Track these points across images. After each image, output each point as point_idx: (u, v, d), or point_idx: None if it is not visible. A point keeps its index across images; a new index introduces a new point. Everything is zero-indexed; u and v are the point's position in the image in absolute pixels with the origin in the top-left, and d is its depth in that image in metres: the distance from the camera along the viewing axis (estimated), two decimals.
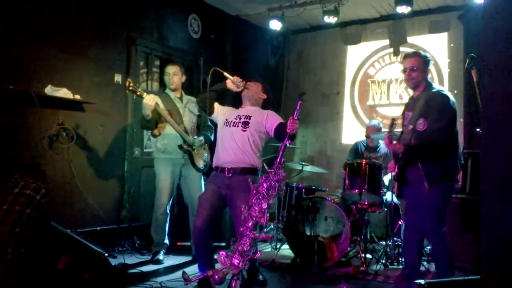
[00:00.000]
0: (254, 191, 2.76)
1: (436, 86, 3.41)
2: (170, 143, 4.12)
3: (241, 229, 2.74)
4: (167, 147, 4.13)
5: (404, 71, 3.38)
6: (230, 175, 3.31)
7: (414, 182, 3.23)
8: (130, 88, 3.83)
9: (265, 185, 2.75)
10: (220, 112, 3.54)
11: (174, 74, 4.24)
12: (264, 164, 3.01)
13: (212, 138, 4.24)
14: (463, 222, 4.18)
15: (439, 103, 3.15)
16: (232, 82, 3.47)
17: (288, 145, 3.07)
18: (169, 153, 4.15)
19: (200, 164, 4.19)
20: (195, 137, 4.18)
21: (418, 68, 3.28)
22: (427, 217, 3.19)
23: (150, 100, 3.87)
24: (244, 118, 3.40)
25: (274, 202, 5.13)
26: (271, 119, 3.40)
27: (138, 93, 3.87)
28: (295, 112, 3.12)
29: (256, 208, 2.70)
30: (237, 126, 3.39)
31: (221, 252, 2.71)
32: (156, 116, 4.04)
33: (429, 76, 3.36)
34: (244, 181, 3.12)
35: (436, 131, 3.10)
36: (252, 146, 3.35)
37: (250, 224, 2.71)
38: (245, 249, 2.66)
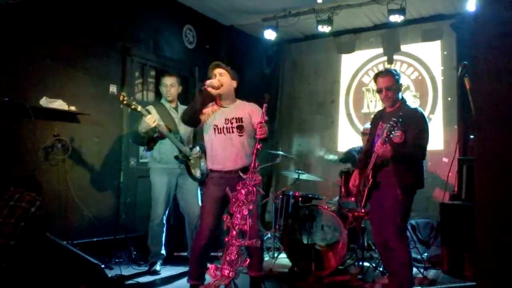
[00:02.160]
0: (233, 199, 2.75)
1: (410, 102, 3.56)
2: (166, 153, 4.12)
3: (226, 239, 2.73)
4: (164, 157, 4.14)
5: (379, 91, 3.42)
6: (236, 174, 3.19)
7: (385, 187, 3.28)
8: (125, 102, 3.76)
9: (243, 191, 2.75)
10: (203, 119, 3.42)
11: (172, 86, 4.26)
12: (239, 171, 2.96)
13: None
14: (459, 228, 4.19)
15: (418, 121, 3.27)
16: (210, 85, 3.30)
17: (259, 148, 2.98)
18: (166, 163, 4.15)
19: (197, 173, 4.18)
20: (191, 147, 4.18)
21: (392, 86, 3.35)
22: (393, 225, 3.23)
23: (151, 121, 3.84)
24: (236, 122, 3.36)
25: (271, 211, 5.14)
26: (254, 118, 3.35)
27: (132, 107, 3.82)
28: (262, 115, 3.08)
29: (238, 216, 2.70)
30: (232, 132, 3.35)
31: (210, 266, 2.72)
32: (152, 133, 4.03)
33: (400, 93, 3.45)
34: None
35: (416, 148, 3.23)
36: (249, 148, 3.34)
37: (234, 233, 2.71)
38: (233, 258, 2.67)
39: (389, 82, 3.34)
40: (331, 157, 5.23)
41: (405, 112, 3.25)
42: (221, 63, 3.50)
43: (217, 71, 3.43)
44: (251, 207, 2.72)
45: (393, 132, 3.18)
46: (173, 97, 4.29)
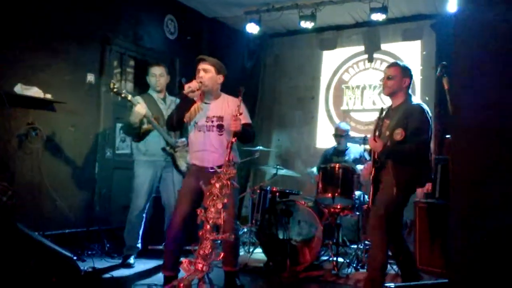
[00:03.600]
0: (208, 193, 2.74)
1: (416, 99, 3.46)
2: (152, 145, 4.08)
3: (200, 233, 2.72)
4: (150, 148, 4.09)
5: (382, 79, 3.47)
6: (213, 170, 3.21)
7: (385, 184, 3.29)
8: (115, 90, 3.72)
9: (217, 185, 2.73)
10: (187, 117, 3.37)
11: (161, 76, 4.20)
12: (215, 166, 2.92)
13: None
14: (432, 226, 4.26)
15: (417, 117, 3.22)
16: (189, 91, 3.21)
17: (234, 142, 2.97)
18: (152, 155, 4.10)
19: (183, 166, 4.14)
20: (177, 139, 4.14)
21: (393, 77, 3.34)
22: (374, 216, 3.24)
23: (141, 109, 3.83)
24: (217, 121, 3.34)
25: (247, 206, 5.14)
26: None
27: (123, 95, 3.78)
28: (236, 108, 3.06)
29: (212, 210, 2.69)
30: (212, 130, 3.34)
31: (183, 260, 2.70)
32: (140, 123, 3.99)
33: (409, 87, 3.40)
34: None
35: (415, 145, 3.19)
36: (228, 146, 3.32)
37: (208, 227, 2.70)
38: (207, 252, 2.66)
39: (392, 72, 3.37)
40: (311, 170, 5.28)
41: (406, 108, 3.28)
42: (206, 57, 3.41)
43: (201, 66, 3.36)
44: (225, 200, 2.70)
45: (382, 130, 3.30)
46: (162, 88, 4.23)
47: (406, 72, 3.38)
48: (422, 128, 3.22)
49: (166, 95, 4.29)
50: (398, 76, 3.34)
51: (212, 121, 3.34)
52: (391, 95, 3.42)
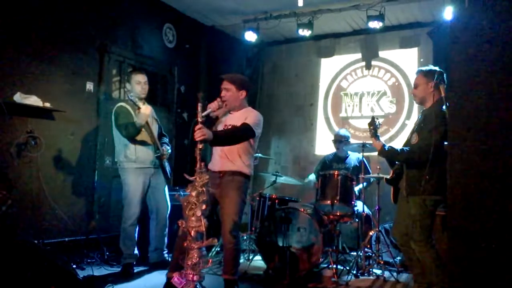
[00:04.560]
0: (185, 203, 2.73)
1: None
2: (141, 152, 4.11)
3: (185, 244, 2.71)
4: (139, 155, 4.11)
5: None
6: (221, 175, 3.42)
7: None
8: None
9: (193, 193, 2.74)
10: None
11: (145, 83, 4.21)
12: (185, 174, 2.84)
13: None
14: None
15: (430, 121, 3.17)
16: (209, 112, 3.23)
17: (201, 148, 2.91)
18: (141, 163, 4.12)
19: (168, 173, 4.30)
20: (162, 146, 4.23)
21: (418, 85, 3.36)
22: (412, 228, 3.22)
23: (147, 110, 3.93)
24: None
25: (247, 212, 5.13)
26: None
27: (131, 99, 3.96)
28: (196, 115, 2.96)
29: (193, 218, 2.69)
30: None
31: (173, 274, 2.70)
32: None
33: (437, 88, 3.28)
34: (232, 181, 3.39)
35: (415, 149, 3.20)
36: (239, 153, 3.43)
37: (191, 236, 2.70)
38: (195, 261, 2.66)
39: (415, 80, 3.40)
40: (310, 178, 5.28)
41: (426, 114, 3.30)
42: (226, 76, 3.50)
43: (223, 85, 3.47)
44: (203, 207, 2.71)
45: (376, 129, 3.44)
46: (146, 95, 4.24)
47: (429, 75, 3.29)
48: (430, 133, 3.13)
49: (145, 102, 4.21)
50: (422, 84, 3.32)
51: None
52: (422, 103, 3.42)
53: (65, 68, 4.51)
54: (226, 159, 3.43)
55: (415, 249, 3.20)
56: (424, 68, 3.41)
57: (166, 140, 4.42)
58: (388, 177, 3.57)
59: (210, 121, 3.43)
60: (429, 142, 3.09)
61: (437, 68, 3.32)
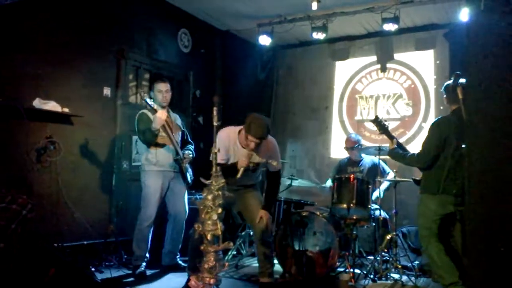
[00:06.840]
0: (201, 207, 2.74)
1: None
2: (162, 156, 4.17)
3: (202, 247, 2.73)
4: (160, 159, 4.16)
5: None
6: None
7: None
8: (143, 97, 4.06)
9: (209, 197, 2.74)
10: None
11: (167, 92, 4.27)
12: (202, 178, 2.88)
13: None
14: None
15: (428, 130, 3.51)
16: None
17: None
18: (161, 166, 4.18)
19: (188, 177, 4.33)
20: (184, 151, 4.26)
21: (443, 91, 3.57)
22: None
23: (163, 115, 3.99)
24: (254, 165, 3.71)
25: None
26: (271, 161, 3.71)
27: (149, 103, 4.03)
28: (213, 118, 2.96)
29: (209, 222, 2.70)
30: (248, 169, 3.66)
31: (191, 277, 2.72)
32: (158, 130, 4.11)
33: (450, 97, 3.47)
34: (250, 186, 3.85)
35: (409, 155, 3.61)
36: (255, 176, 3.92)
37: (207, 240, 2.71)
38: (211, 265, 2.67)
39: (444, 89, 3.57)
40: (326, 184, 5.27)
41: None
42: (264, 136, 3.53)
43: (256, 141, 3.52)
44: (219, 211, 2.72)
45: (382, 126, 3.87)
46: (168, 103, 4.30)
47: (446, 86, 3.49)
48: (424, 140, 3.50)
49: (169, 110, 4.35)
50: (445, 90, 3.51)
51: (249, 166, 3.64)
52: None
53: (83, 74, 4.58)
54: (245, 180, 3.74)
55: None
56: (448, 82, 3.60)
57: (190, 147, 4.45)
58: (417, 178, 3.68)
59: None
60: (420, 151, 3.49)
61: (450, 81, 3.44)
